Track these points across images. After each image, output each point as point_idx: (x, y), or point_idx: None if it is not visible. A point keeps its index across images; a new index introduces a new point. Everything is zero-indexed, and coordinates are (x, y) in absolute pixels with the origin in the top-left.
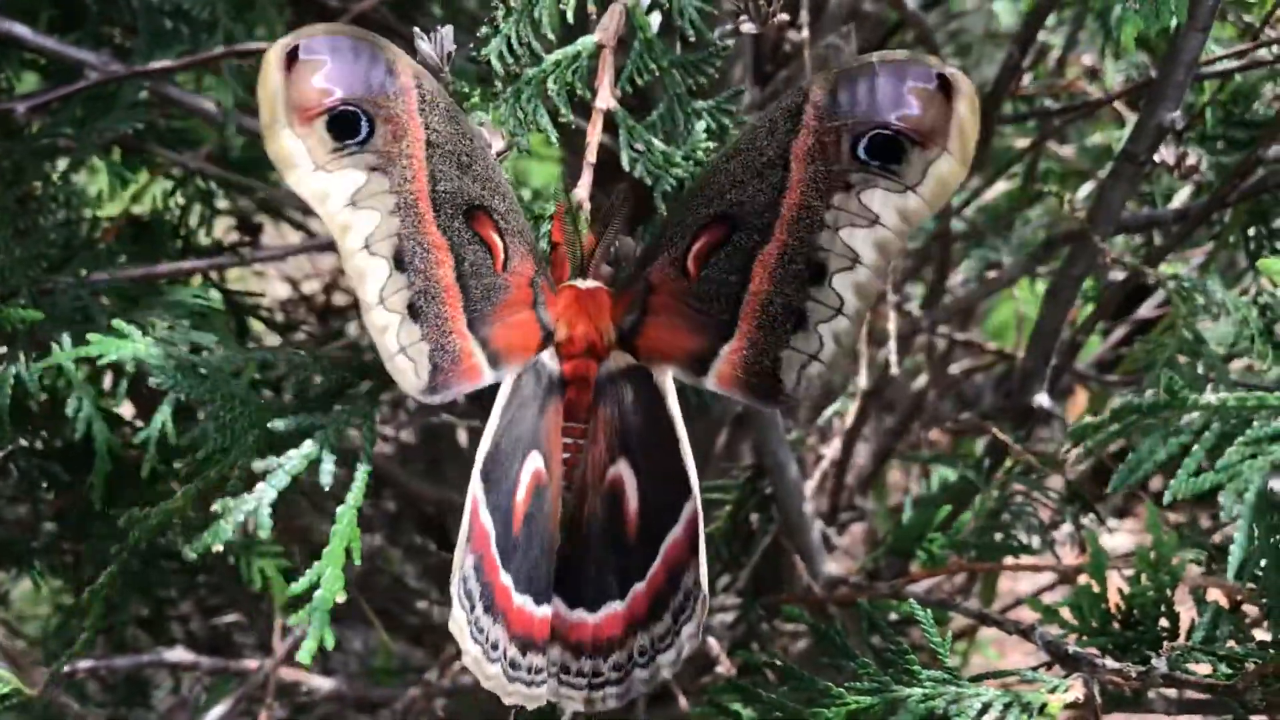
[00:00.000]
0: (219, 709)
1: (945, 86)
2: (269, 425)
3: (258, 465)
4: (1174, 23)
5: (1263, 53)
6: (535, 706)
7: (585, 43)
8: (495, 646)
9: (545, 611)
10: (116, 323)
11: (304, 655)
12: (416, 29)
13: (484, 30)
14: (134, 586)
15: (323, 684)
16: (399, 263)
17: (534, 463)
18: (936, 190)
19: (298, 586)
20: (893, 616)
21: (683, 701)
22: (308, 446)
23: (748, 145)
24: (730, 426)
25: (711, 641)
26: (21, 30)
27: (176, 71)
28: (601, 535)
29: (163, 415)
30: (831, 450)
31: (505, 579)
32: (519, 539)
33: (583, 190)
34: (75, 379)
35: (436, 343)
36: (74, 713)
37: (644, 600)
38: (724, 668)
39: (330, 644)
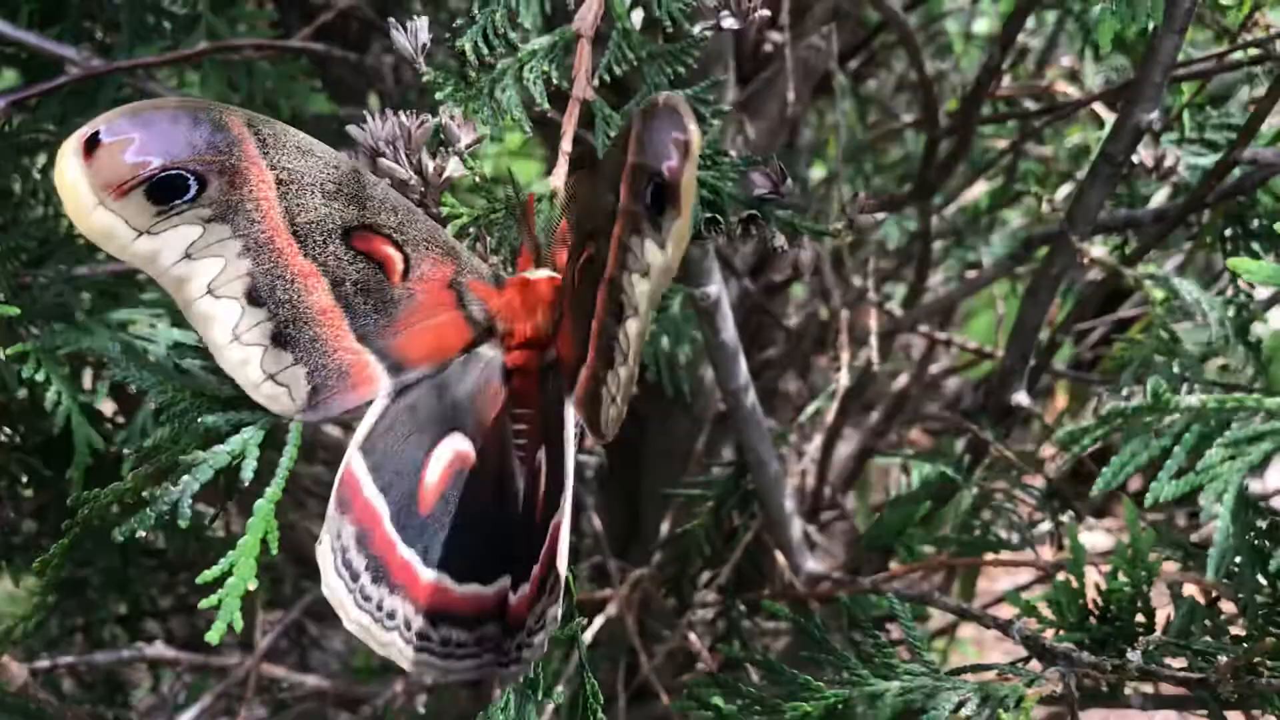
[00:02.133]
0: (198, 706)
1: (688, 145)
2: (198, 420)
3: (184, 458)
4: (1150, 25)
5: (1239, 55)
6: (457, 680)
7: (562, 32)
8: (391, 616)
9: (472, 589)
10: (80, 318)
11: (212, 635)
12: (391, 19)
13: (459, 21)
14: (113, 584)
15: (304, 681)
16: (253, 299)
17: (455, 445)
18: (674, 252)
19: (210, 574)
20: (875, 613)
21: (664, 698)
22: (233, 442)
23: (613, 149)
24: (711, 425)
25: (692, 638)
26: (1, 25)
27: (159, 67)
28: (529, 517)
29: (144, 414)
30: (812, 448)
31: (406, 554)
32: (429, 518)
33: (557, 180)
34: (54, 372)
35: (316, 364)
36: (55, 709)
37: (538, 577)
38: (705, 664)
39: (239, 628)
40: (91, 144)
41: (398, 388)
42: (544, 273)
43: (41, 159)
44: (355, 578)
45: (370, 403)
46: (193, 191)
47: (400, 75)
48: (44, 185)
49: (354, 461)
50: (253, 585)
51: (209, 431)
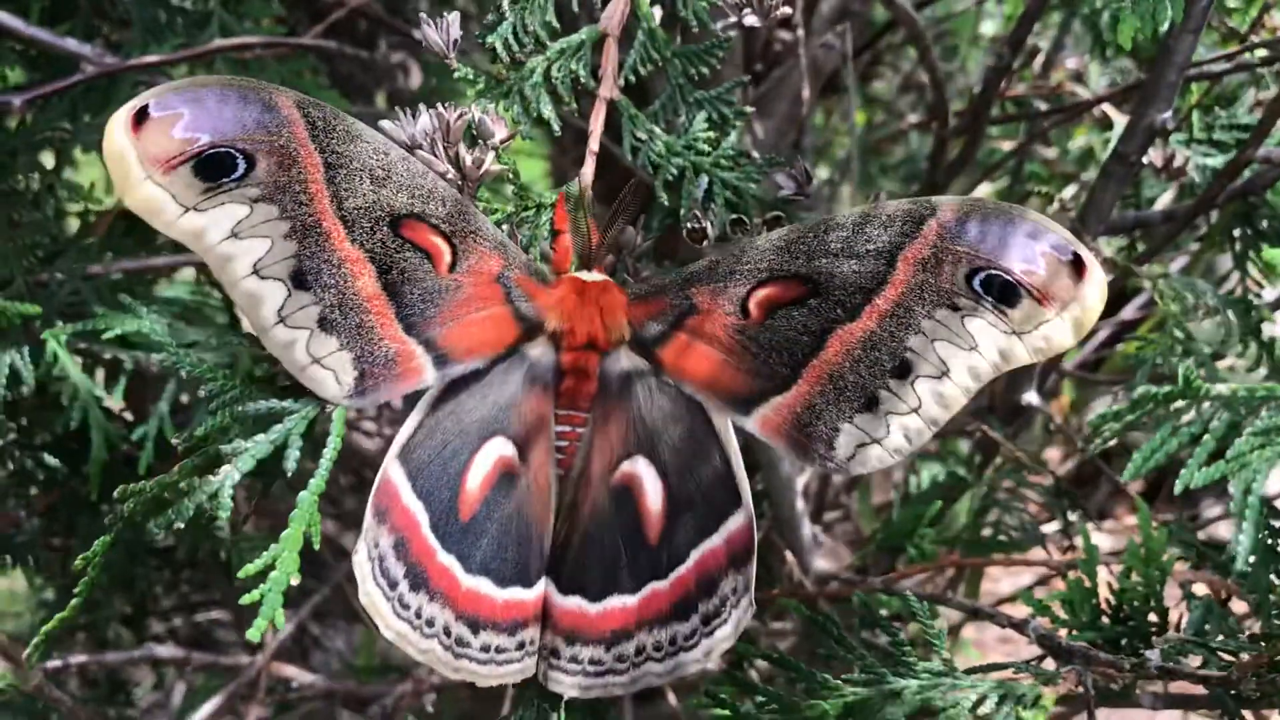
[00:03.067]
0: (210, 705)
1: (1077, 263)
2: (240, 408)
3: (225, 448)
4: (1167, 23)
5: (1248, 56)
6: (497, 684)
7: (589, 32)
8: (431, 624)
9: (513, 595)
10: (124, 298)
11: (253, 633)
12: (423, 15)
13: (490, 17)
14: (118, 583)
15: (314, 680)
16: (299, 282)
17: (498, 449)
18: (1040, 346)
19: (253, 567)
20: (883, 612)
21: (672, 699)
22: (276, 431)
23: (854, 227)
24: None
25: None
26: (14, 22)
27: (173, 65)
28: (609, 529)
29: (162, 410)
30: None
31: (447, 560)
32: (470, 523)
33: (587, 177)
34: (71, 368)
35: (362, 350)
36: (67, 708)
37: (665, 600)
38: (712, 663)
39: (280, 624)
40: (140, 118)
41: (441, 384)
42: (598, 275)
43: (54, 156)
44: (393, 586)
45: (418, 392)
46: (241, 170)
47: (409, 72)
48: (61, 183)
49: (392, 469)
50: (295, 580)
51: (257, 419)
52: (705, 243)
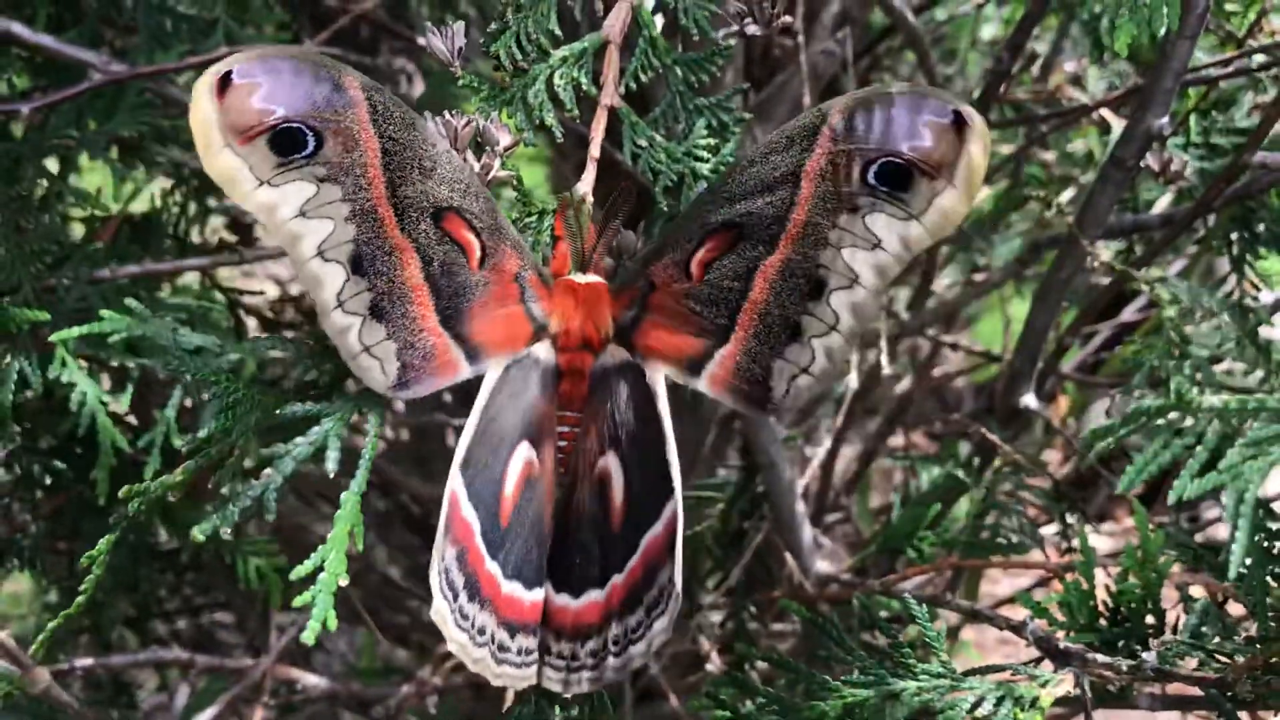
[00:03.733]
0: (214, 708)
1: (959, 123)
2: (279, 411)
3: (265, 452)
4: (1164, 30)
5: (1246, 60)
6: (525, 685)
7: (591, 39)
8: (482, 632)
9: (536, 596)
10: (130, 302)
11: (308, 635)
12: (429, 24)
13: (494, 26)
14: (121, 585)
15: (317, 682)
16: (356, 267)
17: (524, 454)
18: (939, 221)
19: (303, 569)
20: (883, 614)
21: (673, 700)
22: (315, 433)
23: (761, 159)
24: (718, 426)
25: (701, 639)
26: (19, 29)
27: (180, 72)
28: (588, 524)
29: (168, 415)
30: (820, 451)
31: (492, 568)
32: (508, 528)
33: (586, 185)
34: (78, 373)
35: (405, 341)
36: (74, 711)
37: (621, 591)
38: (714, 665)
39: (333, 626)
40: (224, 84)
41: (485, 398)
42: (592, 277)
43: (61, 162)
44: (455, 596)
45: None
46: (310, 147)
47: (412, 79)
48: (67, 189)
49: (454, 480)
50: (344, 581)
51: (281, 423)
52: None
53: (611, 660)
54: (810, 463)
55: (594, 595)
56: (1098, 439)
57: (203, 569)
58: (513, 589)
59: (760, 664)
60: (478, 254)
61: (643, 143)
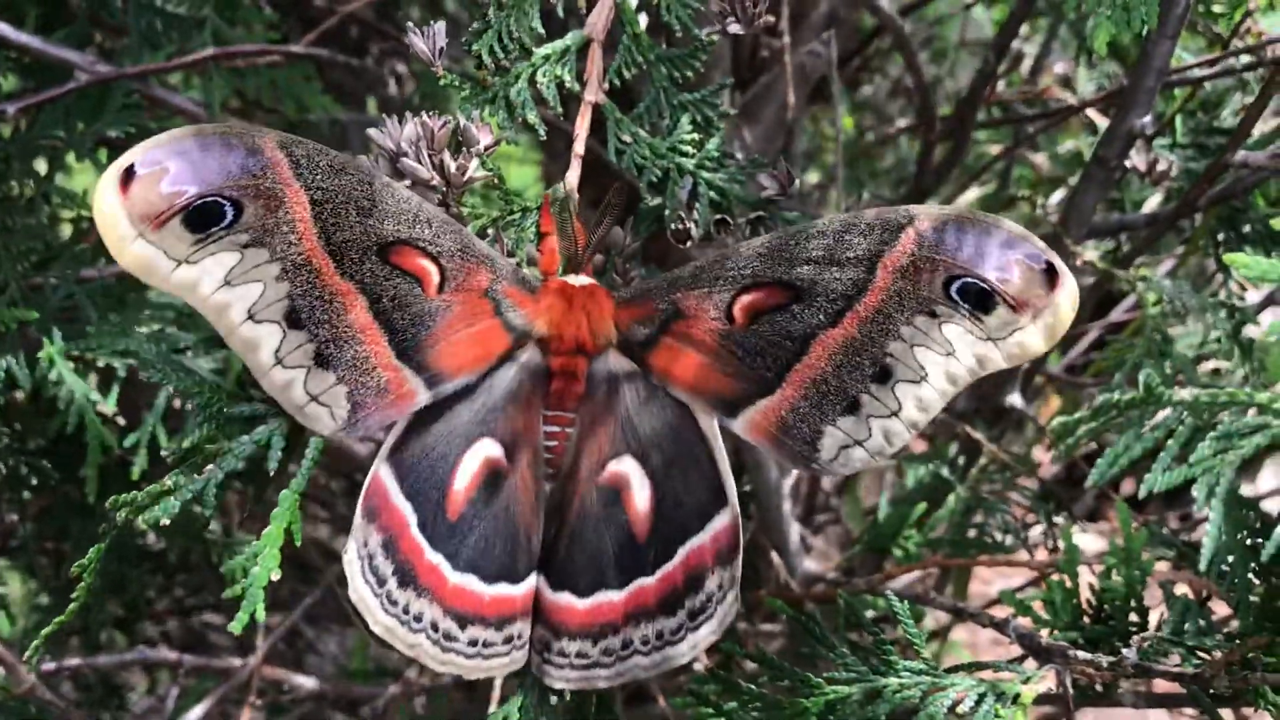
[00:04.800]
0: (200, 708)
1: (1050, 272)
2: (225, 410)
3: (210, 447)
4: (1144, 30)
5: (1231, 61)
6: (483, 677)
7: (574, 37)
8: (419, 619)
9: (500, 591)
10: (112, 317)
11: (235, 626)
12: (410, 24)
13: (475, 25)
14: (111, 587)
15: (305, 683)
16: (294, 322)
17: (485, 450)
18: (1015, 352)
19: (235, 562)
20: (869, 613)
21: (660, 701)
22: (260, 432)
23: (835, 235)
24: None
25: None
26: (4, 29)
27: (167, 73)
28: (597, 527)
29: (154, 418)
30: None
31: (435, 558)
32: (458, 522)
33: (572, 179)
34: (67, 374)
35: (356, 383)
36: (60, 711)
37: (652, 595)
38: (701, 664)
39: (261, 618)
40: (127, 177)
41: (433, 398)
42: (585, 279)
43: (47, 163)
44: (382, 583)
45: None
46: (229, 217)
47: (401, 80)
48: (55, 189)
49: (382, 470)
50: (276, 575)
51: (241, 421)
52: (689, 243)
53: (639, 659)
54: None
55: (609, 596)
56: (1067, 430)
57: (192, 570)
58: (464, 581)
59: (750, 664)
60: (435, 280)
61: (627, 138)
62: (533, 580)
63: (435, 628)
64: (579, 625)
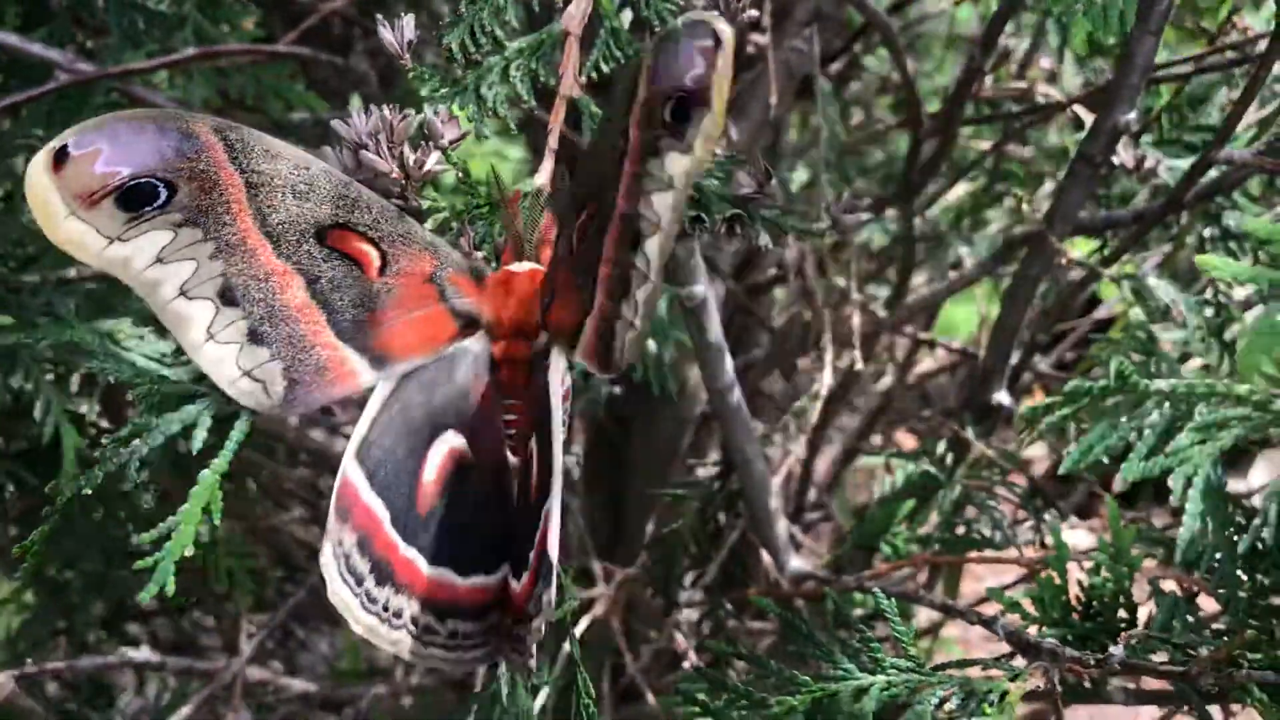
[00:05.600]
0: (185, 710)
1: (719, 43)
2: (158, 389)
3: (136, 423)
4: (1119, 26)
5: (1218, 56)
6: (466, 670)
7: (550, 30)
8: (399, 615)
9: (475, 581)
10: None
11: (144, 595)
12: (379, 16)
13: (449, 18)
14: (94, 586)
15: (290, 683)
16: (227, 299)
17: (449, 442)
18: (704, 147)
19: (148, 536)
20: (858, 610)
21: (651, 699)
22: (186, 411)
23: (612, 111)
24: (696, 426)
25: (679, 637)
26: None
27: (149, 73)
28: (525, 508)
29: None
30: (797, 448)
31: (409, 553)
32: (430, 516)
33: (542, 176)
34: (42, 381)
35: (292, 360)
36: (38, 715)
37: (534, 567)
38: (690, 662)
39: (170, 591)
40: (61, 157)
41: (388, 390)
42: (527, 266)
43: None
44: (360, 582)
45: (356, 397)
46: (163, 198)
47: (386, 77)
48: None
49: (350, 470)
50: (189, 551)
51: (169, 402)
52: None
53: (527, 638)
54: (787, 459)
55: (526, 576)
56: (1036, 416)
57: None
58: (440, 574)
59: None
60: (376, 263)
61: None
62: (504, 569)
63: (415, 622)
64: (519, 609)
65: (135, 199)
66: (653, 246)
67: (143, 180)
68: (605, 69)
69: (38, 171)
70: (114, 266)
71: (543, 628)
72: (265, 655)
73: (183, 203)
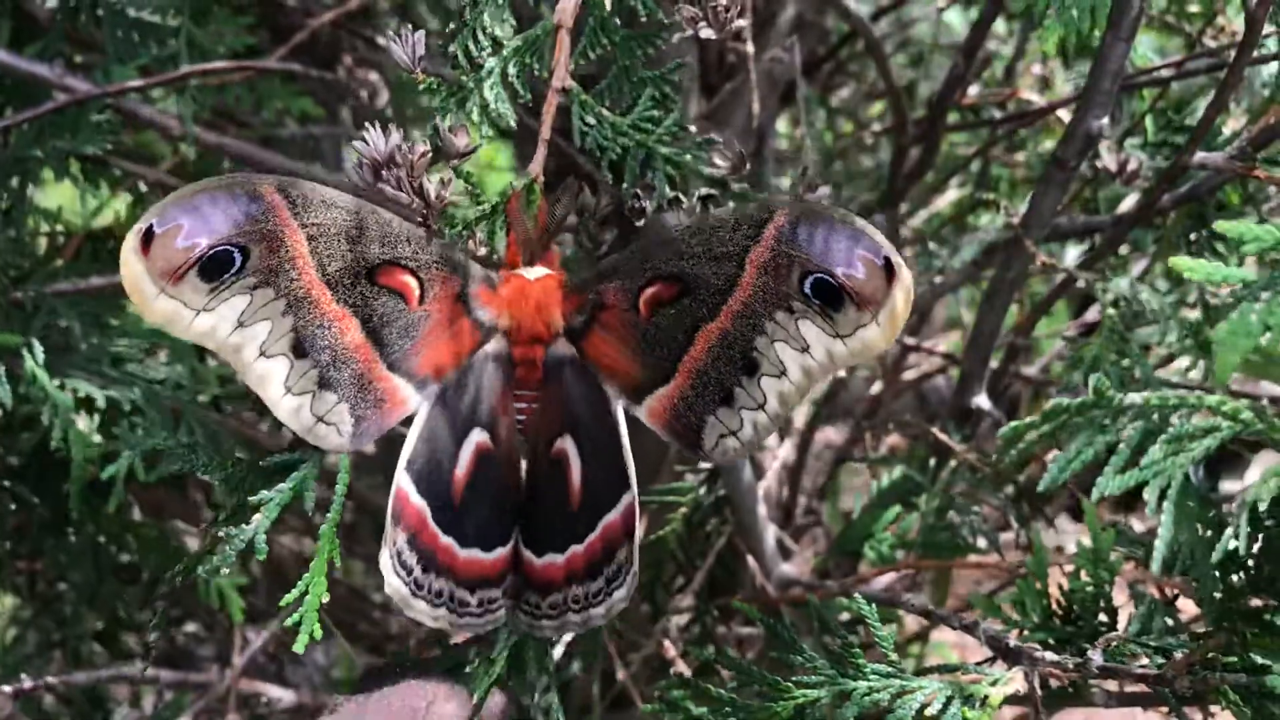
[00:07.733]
0: None
1: (889, 268)
2: (261, 463)
3: (252, 499)
4: (1095, 31)
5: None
6: (491, 629)
7: (544, 25)
8: (439, 595)
9: (498, 553)
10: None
11: (298, 645)
12: (390, 32)
13: (452, 26)
14: (88, 600)
15: (282, 695)
16: (299, 352)
17: (476, 437)
18: (859, 350)
19: (291, 595)
20: (844, 616)
21: (640, 705)
22: (294, 478)
23: (710, 231)
24: None
25: (667, 644)
26: None
27: (144, 90)
28: (548, 493)
29: (134, 454)
30: (784, 454)
31: (448, 541)
32: (462, 505)
33: (536, 166)
34: (50, 388)
35: (355, 399)
36: None
37: (581, 561)
38: (679, 669)
39: (319, 636)
40: (147, 238)
41: (428, 407)
42: (540, 271)
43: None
44: (409, 573)
45: (408, 419)
46: (238, 263)
47: (375, 91)
48: (32, 207)
49: (402, 480)
50: (325, 598)
51: (274, 471)
52: (644, 219)
53: (573, 615)
54: (773, 465)
55: (553, 558)
56: (1017, 435)
57: (170, 583)
58: (471, 554)
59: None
60: (417, 292)
61: (591, 120)
62: (515, 536)
63: (453, 598)
64: (536, 580)
65: (214, 268)
66: (771, 386)
67: (219, 249)
68: (593, 55)
69: (129, 256)
70: (203, 337)
71: (606, 617)
72: (258, 667)
73: (255, 265)
